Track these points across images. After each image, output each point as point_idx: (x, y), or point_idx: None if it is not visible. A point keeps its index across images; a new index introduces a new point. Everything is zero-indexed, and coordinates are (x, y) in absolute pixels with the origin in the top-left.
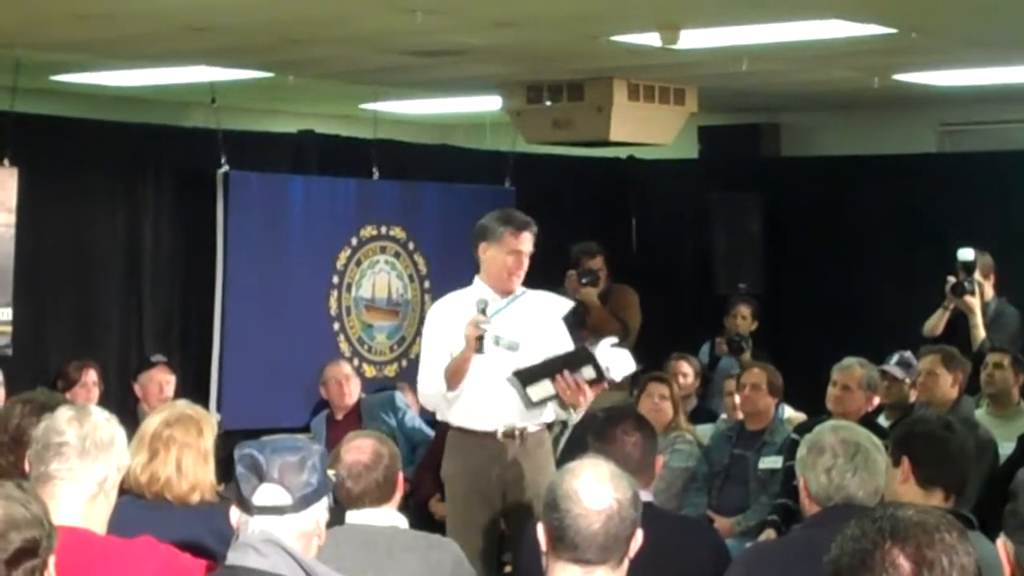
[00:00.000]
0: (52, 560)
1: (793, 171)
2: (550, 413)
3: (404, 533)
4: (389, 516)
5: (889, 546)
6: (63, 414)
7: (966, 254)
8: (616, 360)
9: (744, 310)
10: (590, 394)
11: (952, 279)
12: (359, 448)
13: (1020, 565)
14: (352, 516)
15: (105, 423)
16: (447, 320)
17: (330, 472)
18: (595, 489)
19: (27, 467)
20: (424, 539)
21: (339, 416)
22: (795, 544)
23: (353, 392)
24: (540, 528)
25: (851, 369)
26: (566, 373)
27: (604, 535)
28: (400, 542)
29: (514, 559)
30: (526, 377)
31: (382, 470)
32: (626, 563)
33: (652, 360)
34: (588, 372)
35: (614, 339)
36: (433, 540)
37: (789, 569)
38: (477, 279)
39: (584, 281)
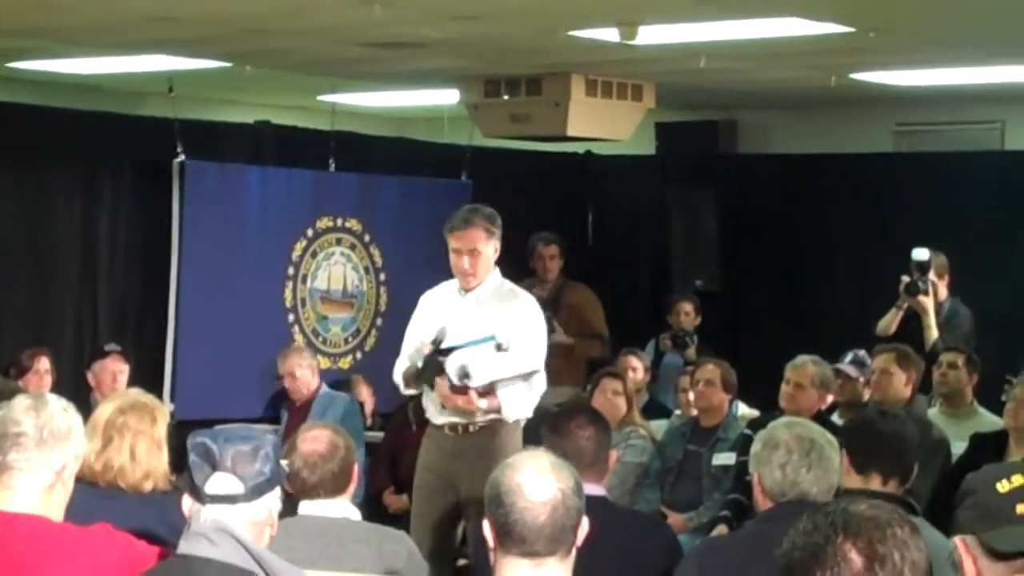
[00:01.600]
0: None
1: (750, 168)
2: (516, 407)
3: (357, 525)
4: (343, 507)
5: (841, 540)
6: (20, 403)
7: (920, 254)
8: (477, 367)
9: (687, 306)
10: (475, 398)
11: (906, 278)
12: (315, 438)
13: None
14: (305, 507)
15: (63, 412)
16: (425, 312)
17: (283, 462)
18: (538, 481)
19: None
20: (377, 531)
21: (298, 403)
22: (747, 539)
23: (306, 383)
24: (485, 524)
25: (804, 367)
26: (437, 380)
27: (551, 526)
28: (353, 534)
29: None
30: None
31: (338, 461)
32: (573, 553)
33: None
34: (449, 379)
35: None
36: (387, 532)
37: (741, 564)
38: None
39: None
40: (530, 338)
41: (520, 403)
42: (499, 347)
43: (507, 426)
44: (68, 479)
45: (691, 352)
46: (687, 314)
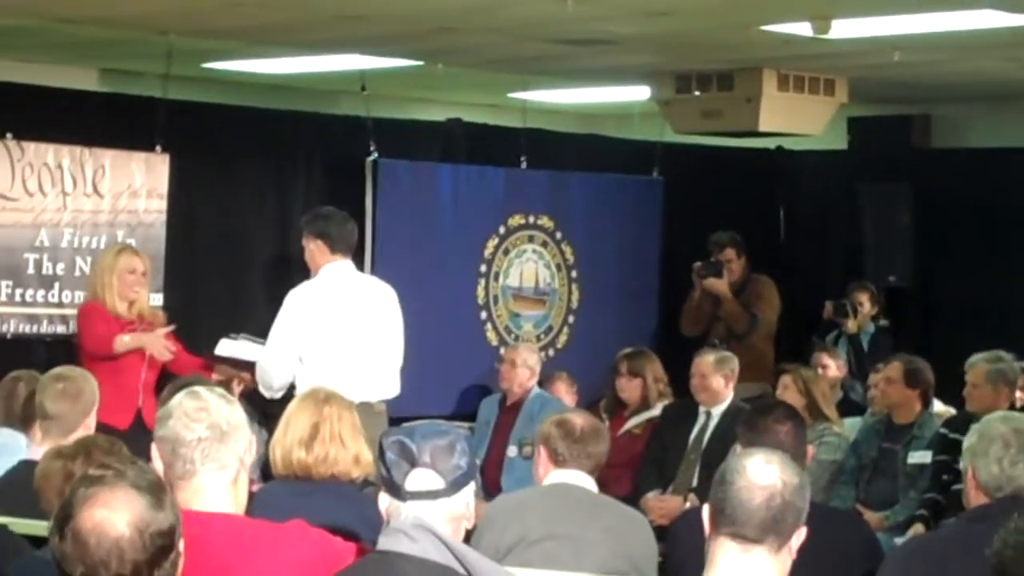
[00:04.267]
0: (181, 543)
1: (945, 163)
2: (374, 390)
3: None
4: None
5: None
6: (185, 407)
7: None
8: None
9: (862, 296)
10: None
11: None
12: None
13: None
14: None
15: (226, 404)
16: None
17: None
18: (763, 466)
19: (158, 462)
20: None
21: (509, 401)
22: (954, 538)
23: (521, 378)
24: (706, 506)
25: (976, 365)
26: None
27: (765, 511)
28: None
29: None
30: None
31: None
32: (787, 554)
33: (797, 351)
34: None
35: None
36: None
37: (946, 564)
38: None
39: (702, 273)
40: None
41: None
42: None
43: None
44: (247, 466)
45: (851, 324)
46: (861, 304)
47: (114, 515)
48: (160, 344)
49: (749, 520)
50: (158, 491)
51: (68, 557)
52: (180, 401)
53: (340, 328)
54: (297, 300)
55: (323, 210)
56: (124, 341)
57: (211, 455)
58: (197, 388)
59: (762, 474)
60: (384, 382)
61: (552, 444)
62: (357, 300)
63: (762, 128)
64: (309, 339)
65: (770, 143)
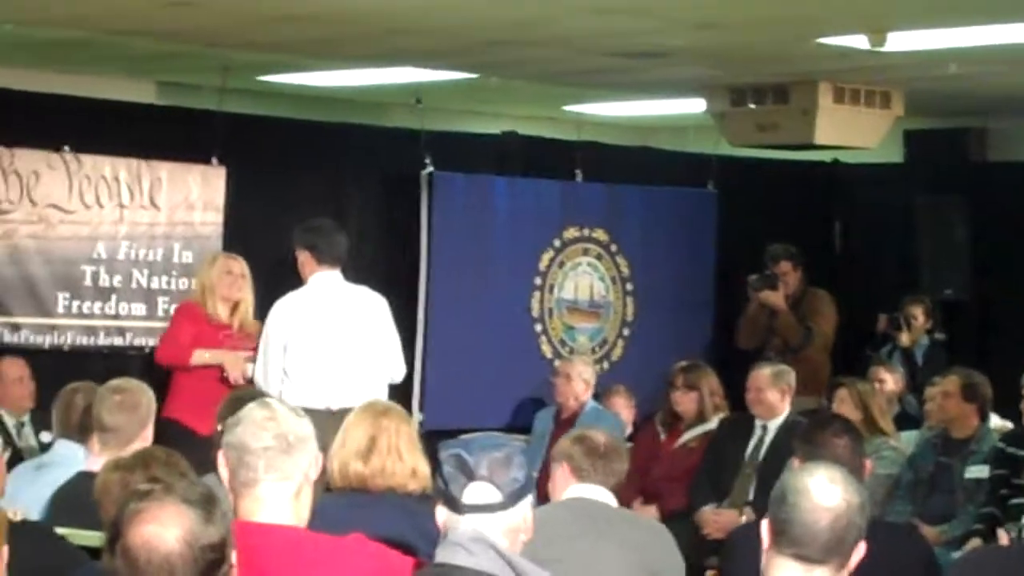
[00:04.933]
0: (234, 555)
1: (1001, 176)
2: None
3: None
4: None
5: None
6: (255, 415)
7: None
8: None
9: (915, 310)
10: None
11: None
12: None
13: None
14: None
15: (296, 418)
16: None
17: None
18: (827, 487)
19: (224, 469)
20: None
21: (564, 415)
22: (1015, 552)
23: (576, 392)
24: (764, 522)
25: None
26: None
27: (830, 533)
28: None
29: None
30: None
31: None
32: (846, 572)
33: (852, 365)
34: None
35: None
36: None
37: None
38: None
39: (757, 285)
40: None
41: None
42: None
43: None
44: (312, 481)
45: (904, 337)
46: (915, 318)
47: (163, 530)
48: (239, 368)
49: (813, 542)
50: (208, 504)
51: (121, 575)
52: (250, 409)
53: (321, 335)
54: (279, 311)
55: (314, 222)
56: (204, 356)
57: (275, 465)
58: (268, 399)
59: (826, 495)
60: (368, 389)
61: (576, 460)
62: (340, 308)
63: (818, 141)
64: (291, 348)
65: (826, 156)
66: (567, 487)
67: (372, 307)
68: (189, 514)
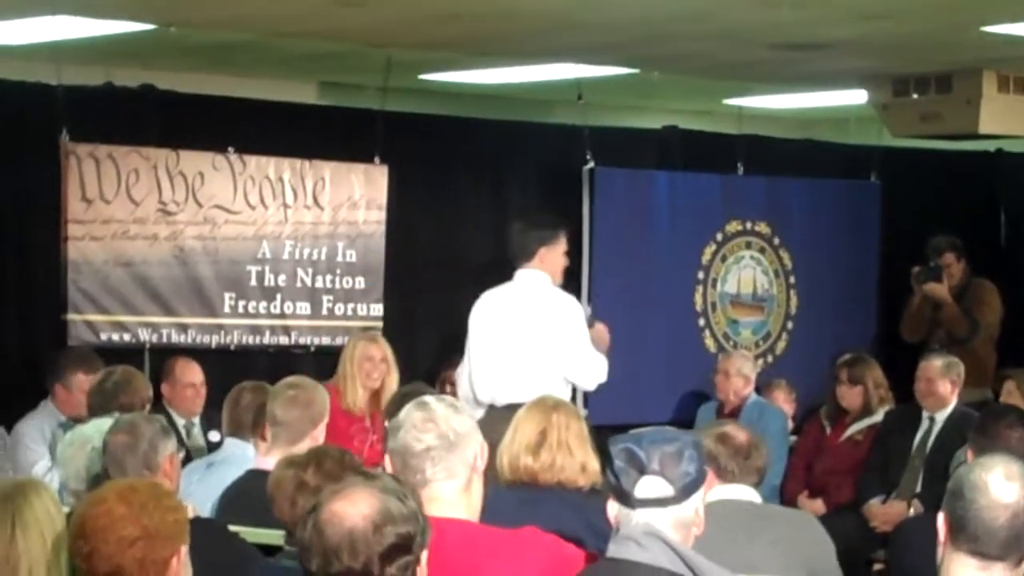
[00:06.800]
0: (424, 555)
1: None
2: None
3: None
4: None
5: None
6: (414, 418)
7: None
8: None
9: None
10: None
11: None
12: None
13: None
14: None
15: (456, 414)
16: None
17: None
18: (1004, 483)
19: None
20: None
21: (727, 409)
22: None
23: (736, 388)
24: (940, 517)
25: None
26: None
27: (1008, 530)
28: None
29: None
30: None
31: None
32: (1022, 568)
33: (1019, 357)
34: None
35: None
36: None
37: None
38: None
39: (921, 278)
40: None
41: None
42: None
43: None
44: (480, 471)
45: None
46: None
47: (351, 507)
48: None
49: (992, 539)
50: (405, 498)
51: (308, 547)
52: (409, 412)
53: (499, 332)
54: (476, 306)
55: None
56: None
57: (441, 464)
58: (426, 399)
59: (1005, 491)
60: (541, 387)
61: (720, 461)
62: (522, 307)
63: (982, 131)
64: (473, 342)
65: (990, 145)
66: (710, 489)
67: (559, 308)
68: (381, 498)
